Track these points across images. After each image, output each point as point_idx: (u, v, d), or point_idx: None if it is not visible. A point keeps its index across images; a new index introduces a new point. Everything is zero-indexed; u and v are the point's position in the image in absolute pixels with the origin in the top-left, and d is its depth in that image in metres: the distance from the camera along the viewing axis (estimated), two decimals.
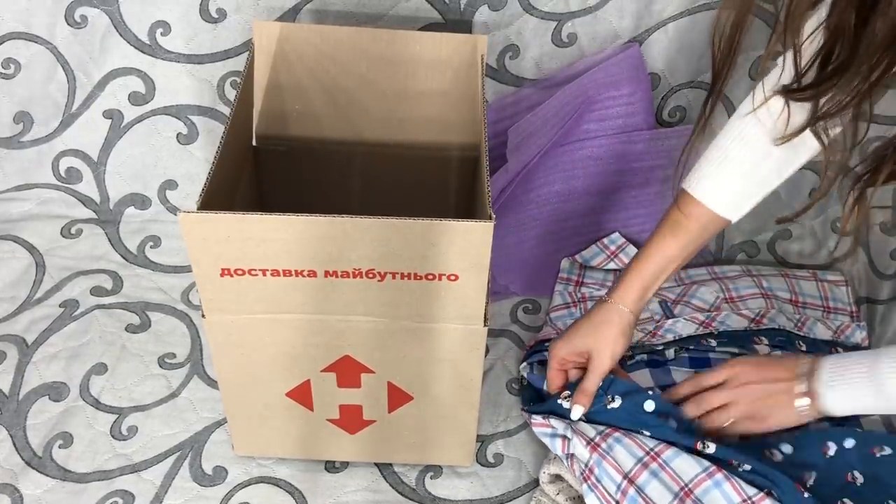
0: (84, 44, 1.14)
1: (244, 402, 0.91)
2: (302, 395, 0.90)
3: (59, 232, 1.20)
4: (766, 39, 1.07)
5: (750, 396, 0.91)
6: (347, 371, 0.87)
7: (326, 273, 0.77)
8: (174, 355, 1.07)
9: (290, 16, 1.10)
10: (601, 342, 0.93)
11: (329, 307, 0.81)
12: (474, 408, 0.91)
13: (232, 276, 0.77)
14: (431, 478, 0.97)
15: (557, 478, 0.94)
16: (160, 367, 1.06)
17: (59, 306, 1.11)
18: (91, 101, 1.17)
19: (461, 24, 1.11)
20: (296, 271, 0.77)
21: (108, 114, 1.18)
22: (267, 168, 1.09)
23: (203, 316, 0.82)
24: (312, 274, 0.77)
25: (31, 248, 1.18)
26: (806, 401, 0.88)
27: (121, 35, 1.13)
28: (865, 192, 0.82)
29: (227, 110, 1.17)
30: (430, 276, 0.77)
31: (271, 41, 1.01)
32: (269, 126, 1.06)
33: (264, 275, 0.77)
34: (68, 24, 1.12)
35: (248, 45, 1.13)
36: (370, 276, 0.77)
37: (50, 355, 1.05)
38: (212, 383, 1.04)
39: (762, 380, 0.91)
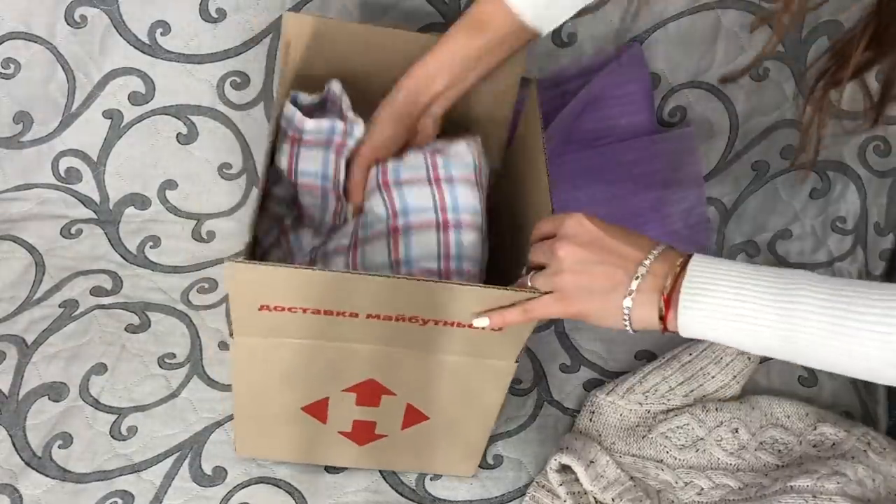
0: (84, 44, 1.13)
1: (256, 413, 0.90)
2: (318, 410, 0.89)
3: (58, 232, 1.20)
4: (765, 40, 1.07)
5: (577, 261, 0.71)
6: (369, 392, 0.87)
7: (368, 315, 0.77)
8: (174, 355, 1.07)
9: None
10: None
11: (363, 339, 0.81)
12: (488, 430, 0.91)
13: (270, 311, 0.77)
14: (431, 479, 0.97)
15: (565, 468, 0.94)
16: (160, 367, 1.06)
17: (59, 306, 1.11)
18: (91, 101, 1.17)
19: None
20: (337, 312, 0.77)
21: (108, 114, 1.18)
22: None
23: (231, 335, 0.81)
24: (354, 315, 0.77)
25: (30, 248, 1.18)
26: (636, 306, 0.70)
27: (121, 35, 1.13)
28: (827, 92, 0.79)
29: (227, 110, 1.17)
30: (462, 325, 0.77)
31: (303, 37, 0.97)
32: None
33: (304, 312, 0.77)
34: (68, 24, 1.12)
35: (248, 45, 1.12)
36: (412, 321, 0.77)
37: (49, 355, 1.05)
38: (212, 384, 1.04)
39: (600, 257, 0.71)
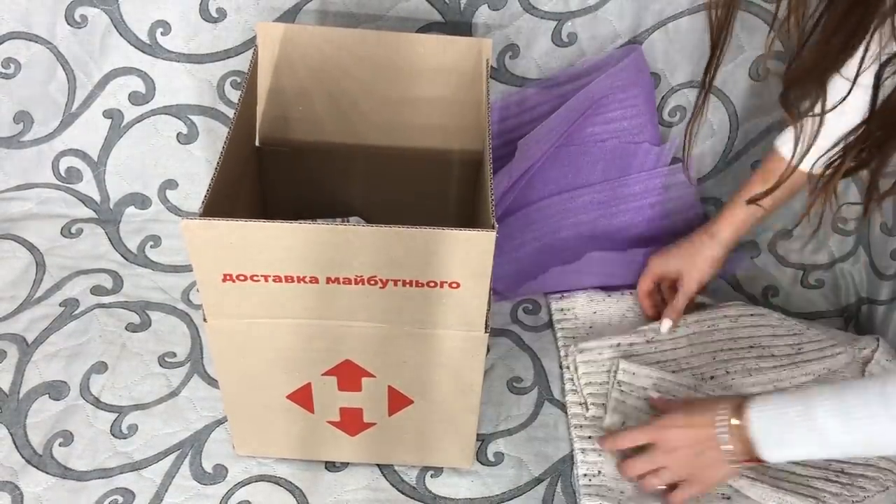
0: (84, 44, 1.14)
1: (245, 404, 0.91)
2: (303, 397, 0.90)
3: (59, 231, 1.20)
4: (765, 39, 1.07)
5: (681, 463, 0.89)
6: (348, 375, 0.87)
7: (328, 279, 0.77)
8: (174, 354, 1.07)
9: (290, 15, 1.10)
10: (692, 268, 1.06)
11: (330, 312, 0.81)
12: (474, 412, 0.91)
13: (234, 281, 0.77)
14: (432, 476, 0.97)
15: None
16: (160, 365, 1.06)
17: (60, 305, 1.11)
18: (91, 101, 1.17)
19: (461, 25, 1.11)
20: (298, 277, 0.77)
21: (108, 113, 1.18)
22: (270, 168, 1.09)
23: (205, 320, 0.82)
24: (314, 280, 0.77)
25: (31, 248, 1.18)
26: (736, 453, 0.84)
27: (121, 35, 1.13)
28: (831, 181, 0.85)
29: (227, 110, 1.17)
30: (432, 284, 0.77)
31: (275, 43, 1.00)
32: (272, 129, 1.06)
33: (266, 280, 0.77)
34: (68, 23, 1.12)
35: (248, 45, 1.13)
36: (372, 282, 0.77)
37: (50, 354, 1.05)
38: (212, 382, 1.04)
39: (690, 442, 0.88)
